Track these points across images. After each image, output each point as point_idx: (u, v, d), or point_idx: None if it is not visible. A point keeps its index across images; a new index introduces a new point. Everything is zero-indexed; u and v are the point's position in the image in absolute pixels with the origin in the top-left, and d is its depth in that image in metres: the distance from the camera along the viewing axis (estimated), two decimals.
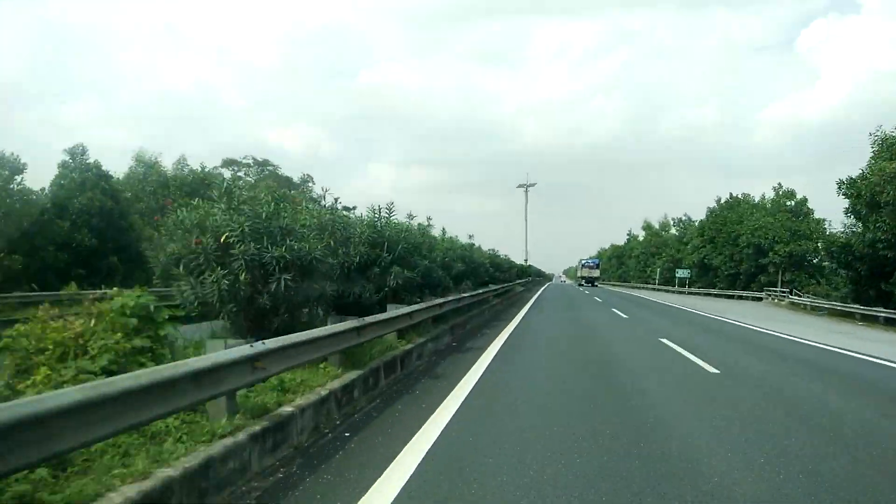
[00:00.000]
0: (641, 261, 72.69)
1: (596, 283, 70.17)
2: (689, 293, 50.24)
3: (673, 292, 52.25)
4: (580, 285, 68.57)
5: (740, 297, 42.39)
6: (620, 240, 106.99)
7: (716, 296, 45.91)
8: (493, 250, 26.47)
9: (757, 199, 50.87)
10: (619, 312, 21.81)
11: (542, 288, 52.69)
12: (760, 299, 40.02)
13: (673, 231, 68.41)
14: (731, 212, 50.15)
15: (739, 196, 52.83)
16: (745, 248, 44.76)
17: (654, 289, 59.62)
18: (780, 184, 48.24)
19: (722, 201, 53.53)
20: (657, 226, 74.96)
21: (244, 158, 51.49)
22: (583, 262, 79.38)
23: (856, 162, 46.83)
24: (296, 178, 53.28)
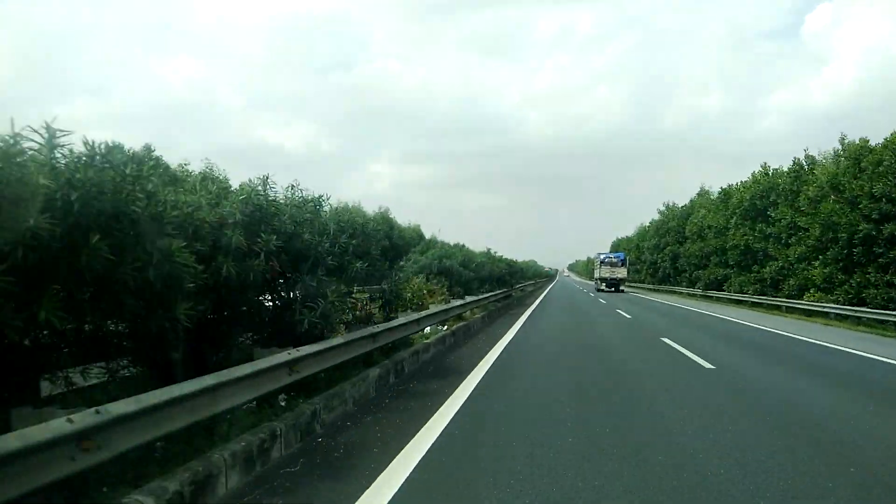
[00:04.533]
0: None
1: (622, 287, 49.85)
2: None
3: None
4: (598, 289, 50.03)
5: None
6: (624, 231, 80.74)
7: None
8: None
9: None
10: None
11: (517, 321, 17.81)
12: None
13: None
14: None
15: None
16: None
17: None
18: None
19: None
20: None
21: None
22: (602, 257, 52.95)
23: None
24: None
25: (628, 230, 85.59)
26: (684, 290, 45.39)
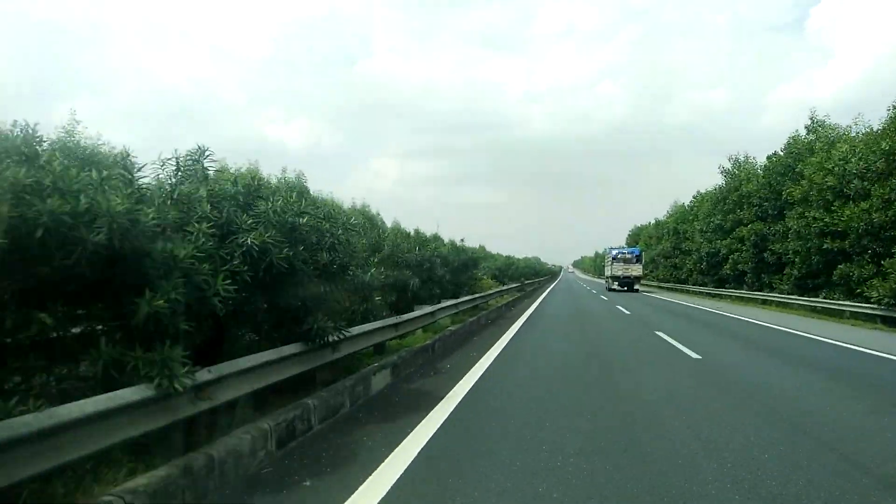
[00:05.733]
0: None
1: (636, 287, 43.89)
2: None
3: None
4: (610, 289, 44.19)
5: None
6: (629, 225, 70.84)
7: None
8: None
9: None
10: None
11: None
12: None
13: None
14: None
15: None
16: None
17: None
18: None
19: None
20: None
21: None
22: (614, 252, 46.41)
23: None
24: None
25: (638, 222, 75.77)
26: (802, 299, 24.24)
